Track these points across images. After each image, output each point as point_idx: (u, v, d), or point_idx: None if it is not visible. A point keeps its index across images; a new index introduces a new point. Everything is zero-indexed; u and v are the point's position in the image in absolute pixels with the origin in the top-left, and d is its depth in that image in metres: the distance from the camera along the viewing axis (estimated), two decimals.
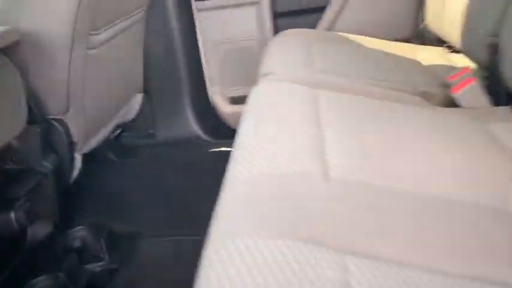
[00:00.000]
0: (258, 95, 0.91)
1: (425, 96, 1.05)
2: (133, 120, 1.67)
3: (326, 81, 1.01)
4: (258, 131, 0.76)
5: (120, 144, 1.72)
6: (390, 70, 1.18)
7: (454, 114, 0.93)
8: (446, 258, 0.50)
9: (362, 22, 1.63)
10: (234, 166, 0.66)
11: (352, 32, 1.55)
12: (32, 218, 0.99)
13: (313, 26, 1.65)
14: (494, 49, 0.98)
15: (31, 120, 1.03)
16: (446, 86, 1.06)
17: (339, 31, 1.58)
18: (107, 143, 1.60)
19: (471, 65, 1.16)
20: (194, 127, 1.74)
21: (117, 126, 1.59)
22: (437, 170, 0.68)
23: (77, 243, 1.07)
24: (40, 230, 1.02)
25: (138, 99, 1.63)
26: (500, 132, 0.85)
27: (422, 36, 1.58)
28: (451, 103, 1.03)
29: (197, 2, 1.66)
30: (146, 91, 1.66)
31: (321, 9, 1.64)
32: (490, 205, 0.62)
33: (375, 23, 1.63)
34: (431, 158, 0.72)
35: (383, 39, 1.55)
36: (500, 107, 0.97)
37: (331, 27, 1.64)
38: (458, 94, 0.99)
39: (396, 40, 1.58)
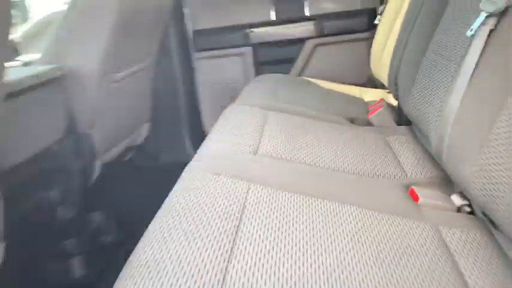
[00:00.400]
0: (225, 114, 1.32)
1: (352, 120, 1.44)
2: (141, 145, 2.07)
3: (278, 106, 1.41)
4: (219, 132, 1.15)
5: (130, 165, 2.11)
6: (332, 102, 1.58)
7: (365, 130, 1.32)
8: (318, 190, 0.87)
9: (325, 70, 2.06)
10: (200, 149, 1.05)
11: (317, 78, 1.97)
12: (62, 200, 1.37)
13: (287, 72, 2.08)
14: (397, 87, 1.38)
15: (67, 132, 1.44)
16: (368, 112, 1.45)
17: (306, 77, 2.01)
18: (119, 163, 1.99)
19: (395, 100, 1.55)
20: (190, 152, 2.14)
21: (128, 149, 1.99)
22: (335, 154, 1.06)
23: (95, 222, 1.45)
24: (67, 210, 1.40)
25: (146, 127, 2.04)
26: (393, 141, 1.23)
27: (374, 82, 1.99)
28: (370, 125, 1.42)
29: (196, 53, 2.11)
30: (153, 121, 2.08)
31: (293, 60, 2.08)
32: (359, 173, 0.99)
33: (336, 71, 2.06)
34: (334, 148, 1.10)
35: (342, 83, 1.96)
36: (401, 126, 1.36)
37: (300, 73, 2.07)
38: (371, 117, 1.38)
39: (354, 84, 1.99)
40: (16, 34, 2.11)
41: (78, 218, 1.42)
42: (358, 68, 2.06)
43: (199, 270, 0.57)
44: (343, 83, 1.98)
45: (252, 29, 2.05)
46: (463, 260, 0.70)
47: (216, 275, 0.57)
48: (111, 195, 1.74)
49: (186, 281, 0.55)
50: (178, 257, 0.59)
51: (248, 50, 2.07)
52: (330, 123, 1.33)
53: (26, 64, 1.53)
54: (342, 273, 0.62)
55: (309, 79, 1.90)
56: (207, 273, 0.57)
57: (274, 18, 2.06)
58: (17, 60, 1.79)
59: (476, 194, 0.76)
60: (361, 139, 1.22)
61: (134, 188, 1.89)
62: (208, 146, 1.05)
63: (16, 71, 1.29)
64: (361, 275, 0.62)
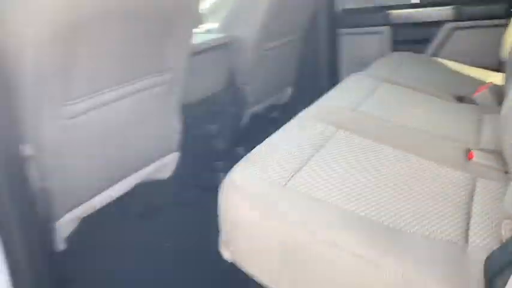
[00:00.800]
0: (345, 81, 1.64)
1: (461, 98, 1.62)
2: (284, 105, 2.49)
3: (394, 79, 1.67)
4: (333, 92, 1.48)
5: (272, 120, 2.56)
6: (448, 81, 1.76)
7: (466, 107, 1.50)
8: (392, 141, 1.15)
9: (459, 52, 2.17)
10: (312, 105, 1.41)
11: (450, 59, 2.11)
12: (218, 134, 1.87)
13: (421, 52, 2.25)
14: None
15: (228, 85, 1.93)
16: None
17: (439, 57, 2.16)
18: (264, 119, 2.45)
19: None
20: None
21: (273, 107, 2.43)
22: (423, 120, 1.31)
23: (239, 154, 1.92)
24: (221, 142, 1.90)
25: (289, 90, 2.45)
26: (487, 117, 1.41)
27: (504, 67, 2.05)
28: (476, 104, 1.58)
29: (341, 29, 2.42)
30: (296, 85, 2.47)
31: (428, 41, 2.24)
32: (435, 134, 1.23)
33: (469, 54, 2.16)
34: (425, 116, 1.34)
35: (473, 66, 2.07)
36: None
37: (434, 54, 2.23)
38: (475, 96, 1.55)
39: (486, 68, 2.08)
40: (203, 6, 2.68)
41: (227, 149, 1.92)
42: (491, 52, 2.12)
43: (282, 163, 0.95)
44: (475, 65, 2.08)
45: (392, 10, 2.27)
46: (478, 204, 0.91)
47: (290, 170, 0.94)
48: (254, 138, 2.21)
49: (273, 166, 0.93)
50: (271, 156, 0.98)
51: (387, 29, 2.31)
52: (436, 98, 1.55)
53: (208, 31, 2.04)
54: (374, 195, 0.90)
55: (439, 59, 2.07)
56: (287, 164, 0.95)
57: (415, 1, 2.24)
58: (200, 28, 2.34)
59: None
60: (456, 113, 1.43)
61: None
62: (318, 102, 1.40)
63: (198, 36, 1.81)
64: (387, 200, 0.87)
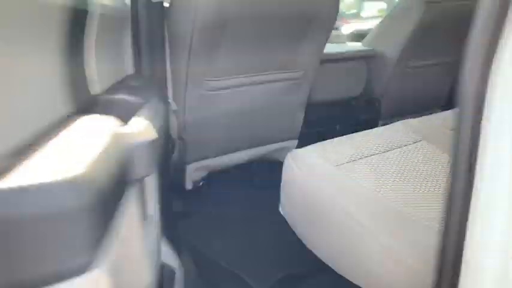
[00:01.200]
0: None
1: None
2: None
3: None
4: (441, 113, 1.56)
5: None
6: None
7: None
8: None
9: None
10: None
11: None
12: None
13: None
14: None
15: (363, 94, 2.11)
16: None
17: None
18: None
19: None
20: None
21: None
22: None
23: None
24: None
25: (437, 111, 2.47)
26: None
27: None
28: None
29: None
30: (446, 107, 2.47)
31: None
32: None
33: None
34: None
35: None
36: None
37: None
38: None
39: None
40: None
41: None
42: None
43: (345, 151, 1.15)
44: None
45: None
46: None
47: (348, 157, 1.14)
48: None
49: (335, 151, 1.14)
50: (340, 144, 1.19)
51: None
52: None
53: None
54: (413, 194, 1.04)
55: None
56: (350, 152, 1.14)
57: None
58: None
59: None
60: None
61: None
62: (424, 116, 1.50)
63: (343, 46, 2.05)
64: (419, 197, 1.02)
